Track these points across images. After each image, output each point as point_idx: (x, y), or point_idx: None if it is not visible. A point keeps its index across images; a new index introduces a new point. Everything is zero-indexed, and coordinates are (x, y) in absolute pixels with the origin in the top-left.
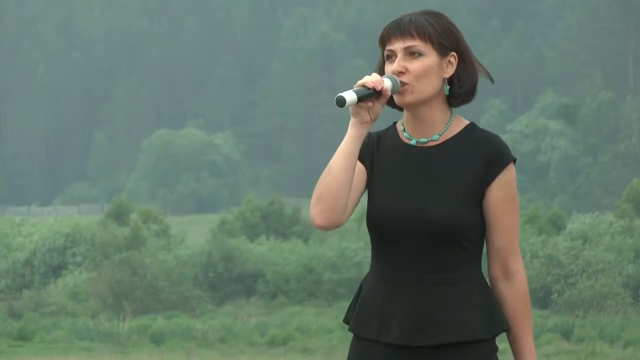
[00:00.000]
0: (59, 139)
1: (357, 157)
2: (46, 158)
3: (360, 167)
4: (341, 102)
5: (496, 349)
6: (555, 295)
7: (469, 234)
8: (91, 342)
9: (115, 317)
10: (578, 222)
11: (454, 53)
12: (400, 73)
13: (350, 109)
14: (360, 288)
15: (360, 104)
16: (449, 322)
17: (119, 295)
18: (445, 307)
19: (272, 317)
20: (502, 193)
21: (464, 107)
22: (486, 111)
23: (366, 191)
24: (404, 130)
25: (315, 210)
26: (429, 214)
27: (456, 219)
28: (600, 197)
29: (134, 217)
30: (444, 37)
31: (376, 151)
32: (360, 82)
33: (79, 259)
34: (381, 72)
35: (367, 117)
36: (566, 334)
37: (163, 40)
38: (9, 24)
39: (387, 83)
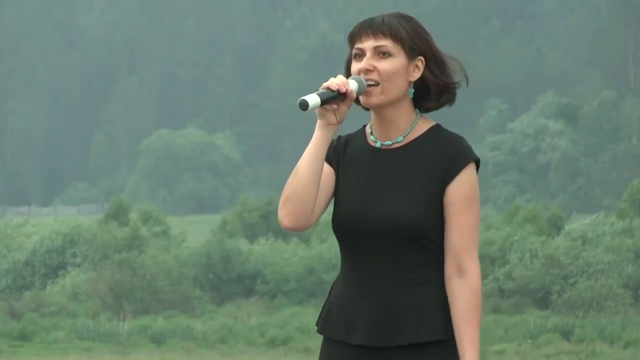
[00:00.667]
0: (59, 139)
1: (324, 159)
2: (46, 158)
3: (328, 170)
4: (304, 105)
5: None
6: (555, 295)
7: (432, 235)
8: (91, 342)
9: (115, 317)
10: (578, 223)
11: (421, 57)
12: (367, 71)
13: (316, 111)
14: (331, 290)
15: (325, 106)
16: (415, 322)
17: (118, 295)
18: (411, 307)
19: (272, 318)
20: (460, 192)
21: (463, 108)
22: (485, 111)
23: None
24: (371, 132)
25: (283, 213)
26: (392, 216)
27: (419, 220)
28: (600, 198)
29: (133, 217)
30: (414, 40)
31: (343, 154)
32: (325, 84)
33: (78, 259)
34: (349, 71)
35: (333, 119)
36: (566, 335)
37: (163, 40)
38: (9, 24)
39: (352, 85)
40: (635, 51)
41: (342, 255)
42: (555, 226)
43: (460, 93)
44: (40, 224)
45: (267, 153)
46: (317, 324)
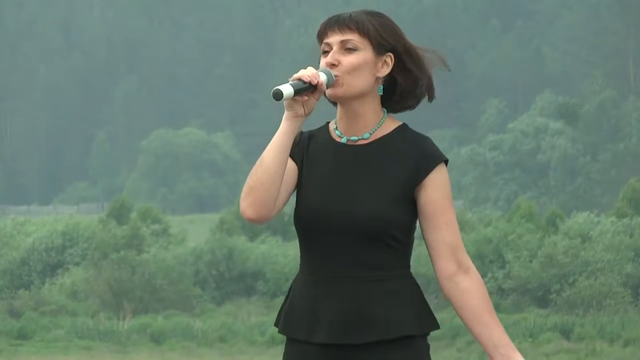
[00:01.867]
0: (59, 139)
1: (289, 150)
2: (46, 158)
3: (291, 164)
4: (278, 95)
5: (428, 346)
6: (555, 294)
7: (397, 233)
8: (91, 341)
9: (115, 316)
10: (577, 221)
11: (390, 54)
12: (332, 65)
13: (285, 102)
14: (290, 289)
15: (296, 97)
16: (380, 319)
17: (118, 294)
18: (376, 305)
19: (272, 317)
20: (439, 191)
21: (463, 107)
22: (485, 111)
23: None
24: (336, 128)
25: (246, 203)
26: (357, 213)
27: (384, 217)
28: (599, 197)
29: (133, 216)
30: (383, 36)
31: (306, 149)
32: (296, 75)
33: (78, 258)
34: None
35: (301, 111)
36: (566, 333)
37: (163, 40)
38: (9, 24)
39: (322, 77)
40: (635, 50)
41: (303, 252)
42: (554, 225)
43: (460, 93)
44: (40, 223)
45: None
46: (276, 324)
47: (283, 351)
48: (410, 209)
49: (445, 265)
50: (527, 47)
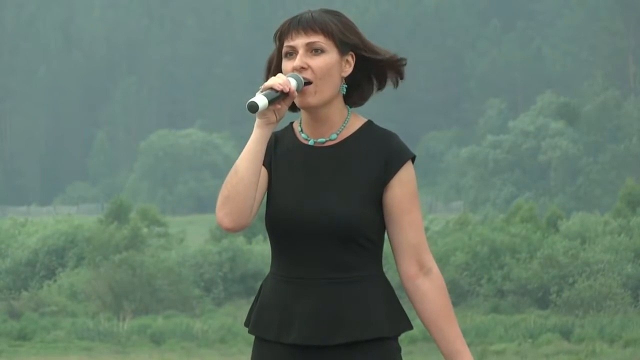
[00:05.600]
0: (59, 139)
1: (262, 158)
2: (46, 158)
3: (262, 169)
4: (254, 107)
5: (399, 348)
6: (554, 295)
7: (368, 232)
8: (91, 342)
9: (114, 317)
10: (577, 222)
11: (352, 53)
12: (301, 69)
13: None
14: (260, 289)
15: (270, 106)
16: (352, 321)
17: (118, 295)
18: (348, 306)
19: None
20: (405, 190)
21: (463, 108)
22: (485, 111)
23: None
24: (302, 130)
25: (222, 213)
26: (328, 214)
27: (355, 218)
28: (599, 197)
29: (133, 216)
30: (345, 35)
31: (274, 152)
32: (267, 84)
33: (78, 258)
34: (276, 69)
35: (273, 118)
36: (566, 334)
37: (163, 40)
38: (8, 24)
39: (292, 83)
40: (635, 50)
41: (274, 253)
42: (554, 226)
43: (460, 92)
44: (40, 224)
45: None
46: (246, 324)
47: (252, 351)
48: (380, 208)
49: (407, 267)
50: (527, 47)
